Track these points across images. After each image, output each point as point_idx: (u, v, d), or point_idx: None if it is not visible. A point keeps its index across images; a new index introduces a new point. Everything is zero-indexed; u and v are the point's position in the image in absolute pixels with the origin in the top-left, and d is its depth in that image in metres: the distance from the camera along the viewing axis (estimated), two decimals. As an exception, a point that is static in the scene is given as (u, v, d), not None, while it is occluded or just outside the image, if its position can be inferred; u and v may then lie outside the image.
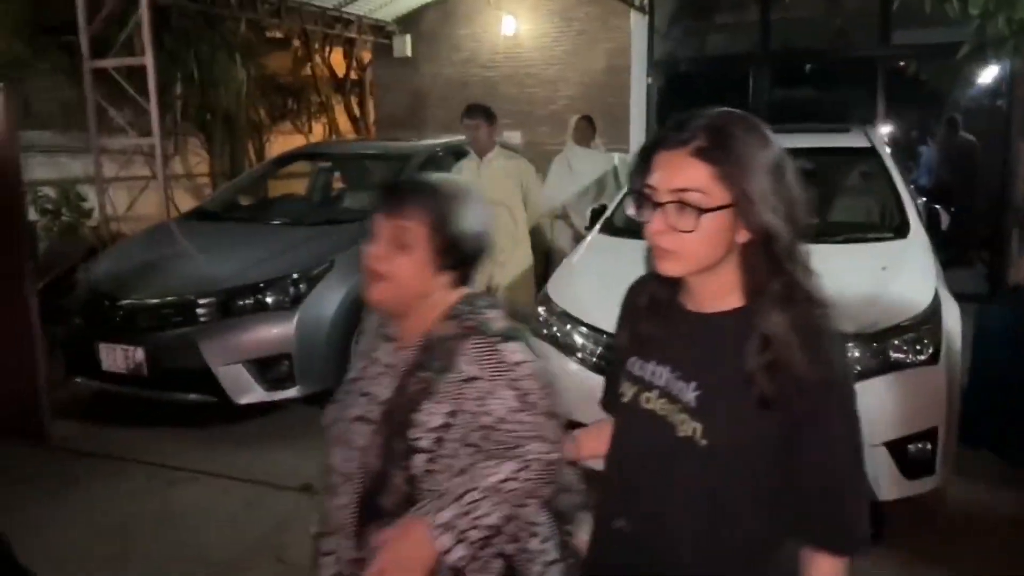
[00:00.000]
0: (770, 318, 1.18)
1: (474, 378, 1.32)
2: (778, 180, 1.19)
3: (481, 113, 4.87)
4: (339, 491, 1.44)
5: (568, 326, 3.51)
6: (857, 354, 2.99)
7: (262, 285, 4.47)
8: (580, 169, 5.87)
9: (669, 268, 1.24)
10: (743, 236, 1.20)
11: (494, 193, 4.61)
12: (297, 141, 10.23)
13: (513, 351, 1.34)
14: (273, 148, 10.30)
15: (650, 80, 8.44)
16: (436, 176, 1.50)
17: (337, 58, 11.22)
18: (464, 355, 1.34)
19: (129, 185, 7.77)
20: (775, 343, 1.17)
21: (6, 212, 4.39)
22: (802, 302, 1.20)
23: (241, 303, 4.42)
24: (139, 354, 4.36)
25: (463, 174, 4.83)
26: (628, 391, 1.35)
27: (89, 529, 3.48)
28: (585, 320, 3.46)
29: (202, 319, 4.39)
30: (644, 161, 1.25)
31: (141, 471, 4.05)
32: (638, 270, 1.37)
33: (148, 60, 6.25)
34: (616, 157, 6.18)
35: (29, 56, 7.68)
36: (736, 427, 1.21)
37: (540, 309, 3.73)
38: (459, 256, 1.41)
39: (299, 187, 7.47)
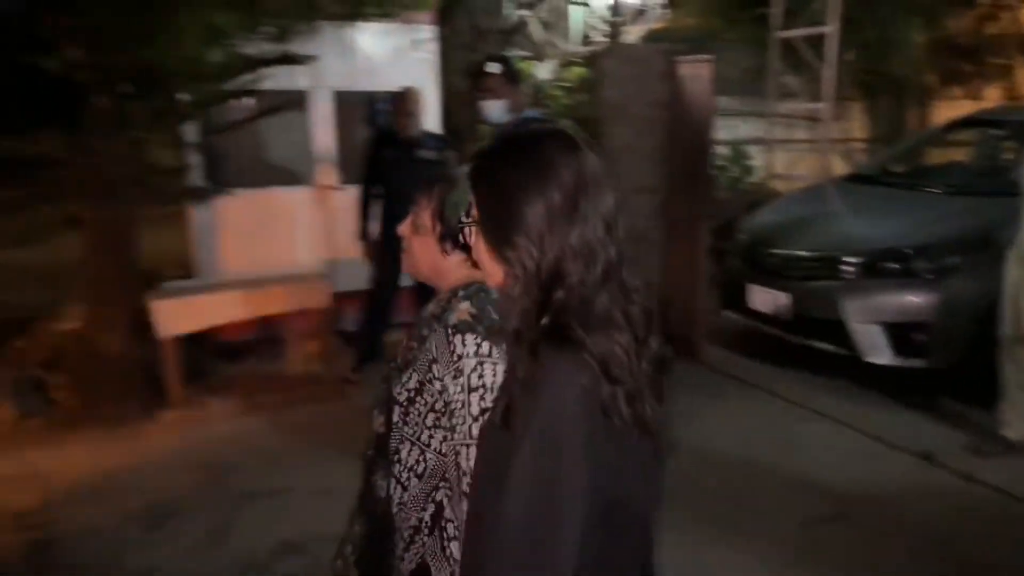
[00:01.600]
0: (510, 351, 1.11)
1: (435, 360, 1.44)
2: (518, 217, 1.07)
3: None
4: None
5: None
6: None
7: (910, 251, 4.49)
8: None
9: (490, 283, 1.21)
10: None
11: None
12: (963, 107, 9.50)
13: (461, 343, 1.41)
14: (938, 114, 9.76)
15: None
16: (464, 168, 1.54)
17: (1033, 14, 9.91)
18: (433, 339, 1.47)
19: (788, 147, 8.35)
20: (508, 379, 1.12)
21: (697, 165, 5.29)
22: (529, 345, 1.06)
23: (887, 266, 4.53)
24: (784, 299, 4.83)
25: None
26: None
27: (724, 437, 4.14)
28: None
29: (846, 276, 4.62)
30: None
31: (772, 402, 4.60)
32: None
33: (830, 28, 6.55)
34: None
35: (723, 29, 8.80)
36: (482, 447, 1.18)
37: None
38: (465, 243, 1.49)
39: (963, 155, 7.01)
